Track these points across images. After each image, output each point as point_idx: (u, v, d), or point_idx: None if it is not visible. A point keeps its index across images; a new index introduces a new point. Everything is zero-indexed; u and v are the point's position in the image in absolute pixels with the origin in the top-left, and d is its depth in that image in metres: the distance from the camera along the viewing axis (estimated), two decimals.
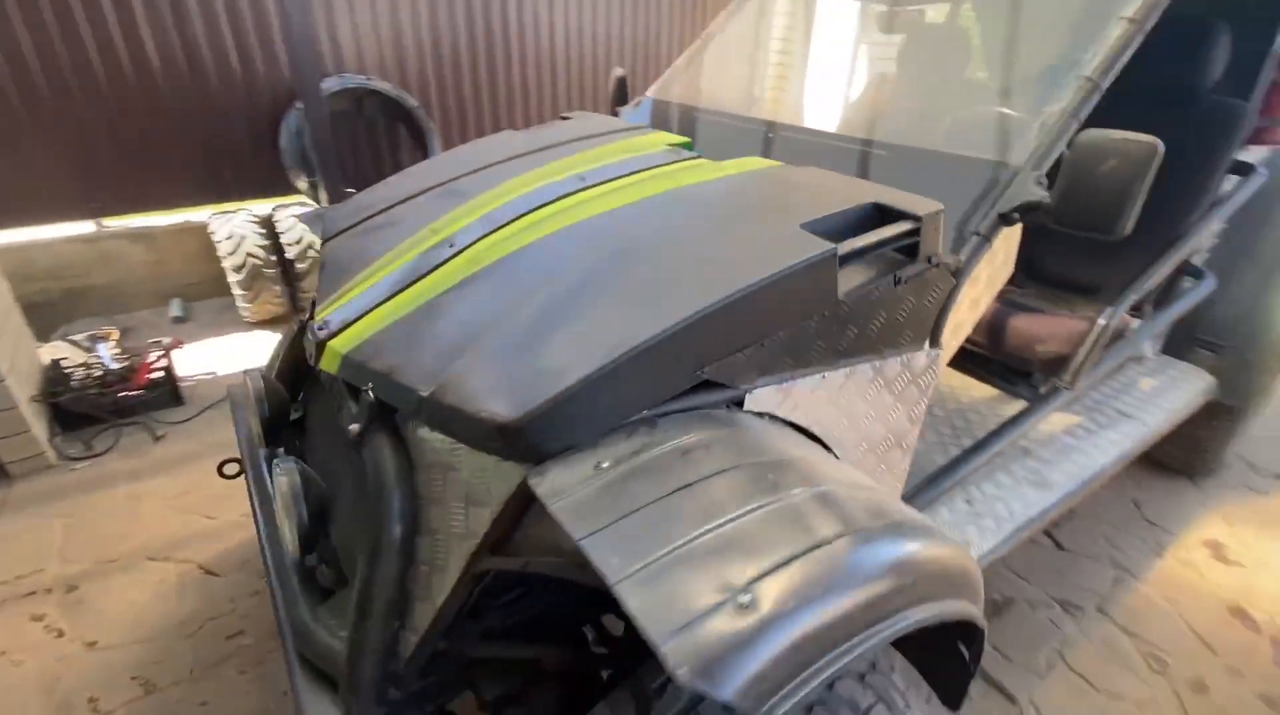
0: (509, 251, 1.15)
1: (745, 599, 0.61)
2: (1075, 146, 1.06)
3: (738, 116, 1.73)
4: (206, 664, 1.75)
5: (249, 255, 3.24)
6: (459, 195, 1.42)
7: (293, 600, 1.04)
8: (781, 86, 1.82)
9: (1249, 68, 1.99)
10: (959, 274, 1.15)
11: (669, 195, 1.22)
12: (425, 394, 0.90)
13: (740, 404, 0.97)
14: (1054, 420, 1.96)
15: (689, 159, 1.42)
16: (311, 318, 1.31)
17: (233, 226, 3.26)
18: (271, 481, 1.30)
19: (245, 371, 1.35)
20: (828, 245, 0.96)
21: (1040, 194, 1.14)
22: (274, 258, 3.35)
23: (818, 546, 0.67)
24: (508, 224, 1.24)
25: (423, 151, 4.13)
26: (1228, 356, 2.27)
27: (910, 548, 0.74)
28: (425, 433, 0.96)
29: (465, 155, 1.67)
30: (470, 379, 0.88)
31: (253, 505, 1.32)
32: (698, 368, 0.91)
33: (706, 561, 0.65)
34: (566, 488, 0.77)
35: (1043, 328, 1.76)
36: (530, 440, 0.80)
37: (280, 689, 1.69)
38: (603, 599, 1.17)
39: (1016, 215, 1.15)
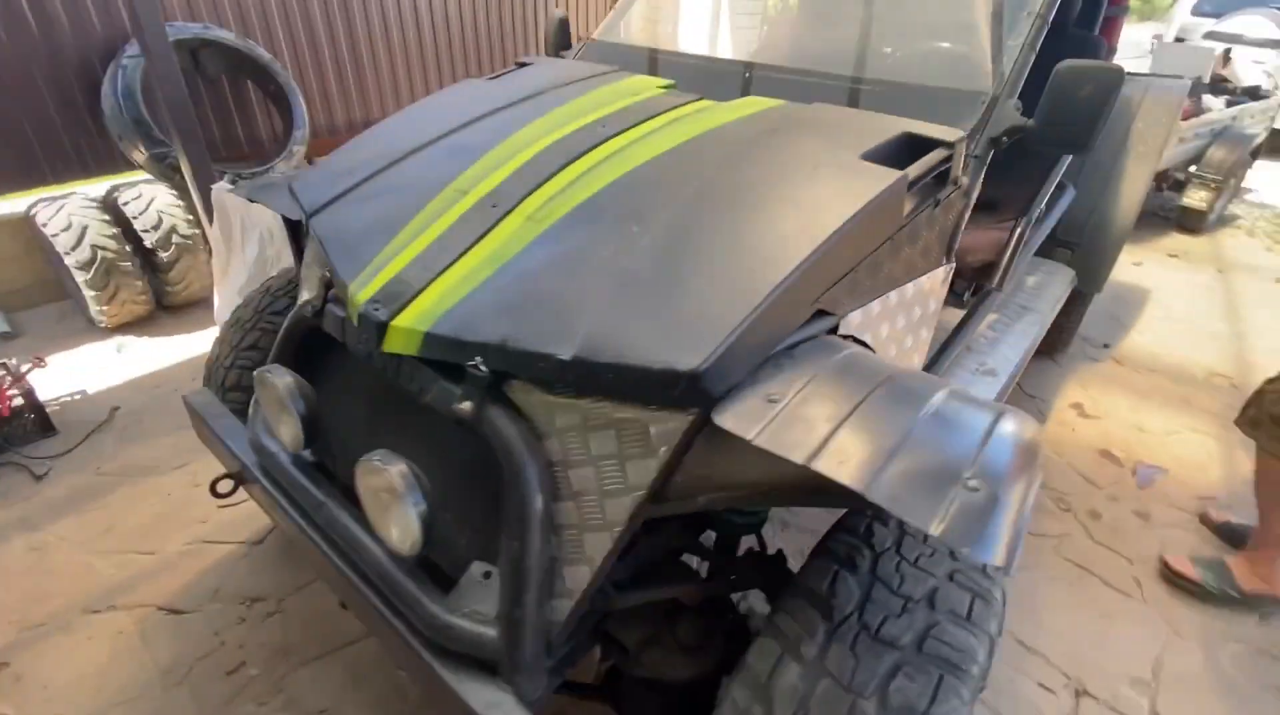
0: (575, 204, 1.11)
1: (972, 484, 0.71)
2: (1057, 74, 1.24)
3: (705, 58, 1.75)
4: (214, 707, 1.57)
5: (97, 248, 2.71)
6: (465, 151, 1.32)
7: (414, 599, 0.98)
8: (739, 26, 1.85)
9: (1093, 3, 2.36)
10: (967, 194, 1.30)
11: (706, 138, 1.24)
12: (569, 356, 0.87)
13: (835, 330, 1.05)
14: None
15: (694, 101, 1.43)
16: (329, 301, 1.18)
17: (69, 215, 2.69)
18: (318, 486, 1.17)
19: (262, 370, 1.18)
20: (898, 173, 1.05)
21: (1021, 118, 1.32)
22: (129, 248, 2.82)
23: (989, 435, 0.78)
24: (552, 177, 1.18)
25: (285, 112, 3.63)
26: (1080, 251, 2.75)
27: (1029, 428, 0.88)
28: (550, 397, 0.93)
29: (437, 109, 1.53)
30: (619, 335, 0.87)
31: (292, 518, 1.19)
32: (815, 300, 0.97)
33: (922, 460, 0.74)
34: (753, 422, 0.81)
35: (970, 241, 2.02)
36: (708, 385, 0.83)
37: (315, 708, 1.57)
38: (696, 528, 1.24)
39: (1005, 139, 1.32)
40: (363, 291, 1.07)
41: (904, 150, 1.20)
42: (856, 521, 1.04)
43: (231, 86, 3.51)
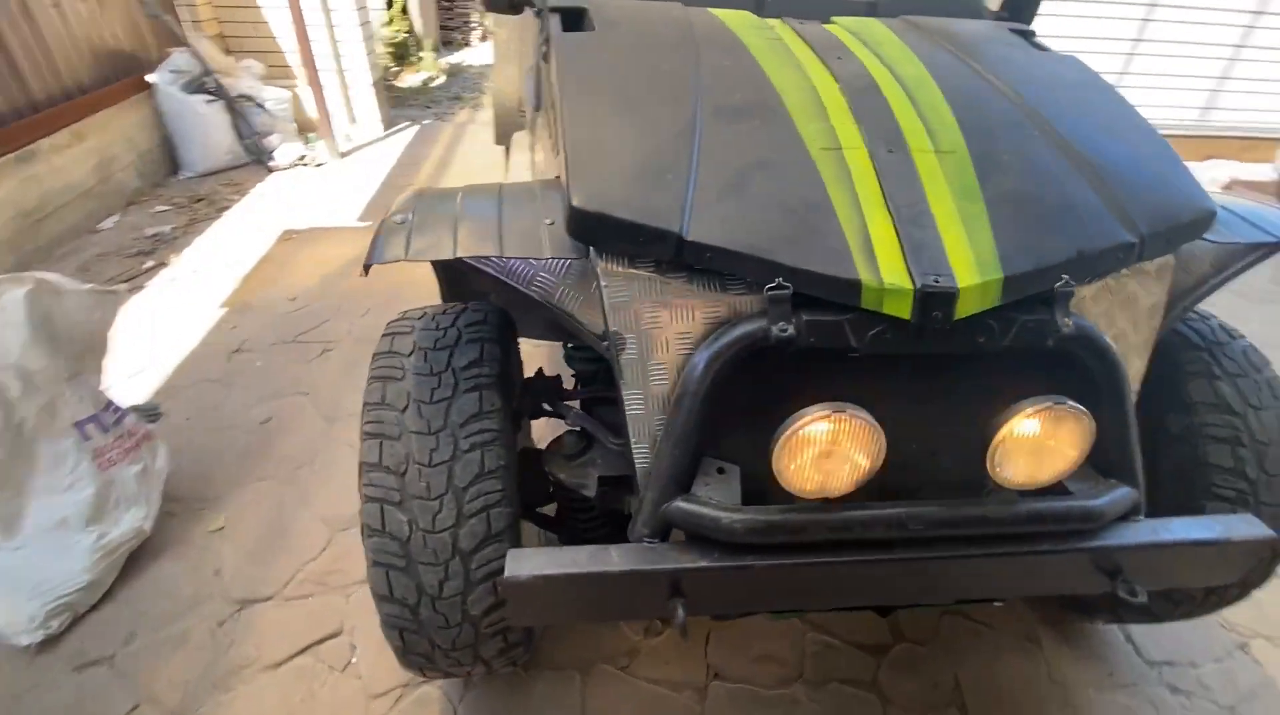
0: (956, 130, 1.13)
1: None
2: None
3: None
4: None
5: None
6: (756, 112, 1.15)
7: (1068, 509, 1.03)
8: None
9: None
10: None
11: (931, 57, 1.34)
12: (1137, 237, 1.02)
13: None
14: None
15: (829, 24, 1.47)
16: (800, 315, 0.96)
17: None
18: (876, 508, 1.01)
19: (820, 411, 0.89)
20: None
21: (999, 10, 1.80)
22: None
23: None
24: (892, 114, 1.16)
25: None
26: None
27: None
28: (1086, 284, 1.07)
29: (618, 77, 1.21)
30: (1147, 206, 1.06)
31: (848, 565, 1.02)
32: None
33: None
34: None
35: None
36: None
37: None
38: None
39: None
40: (893, 276, 0.94)
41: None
42: None
43: None
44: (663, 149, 1.06)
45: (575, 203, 0.98)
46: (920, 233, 0.99)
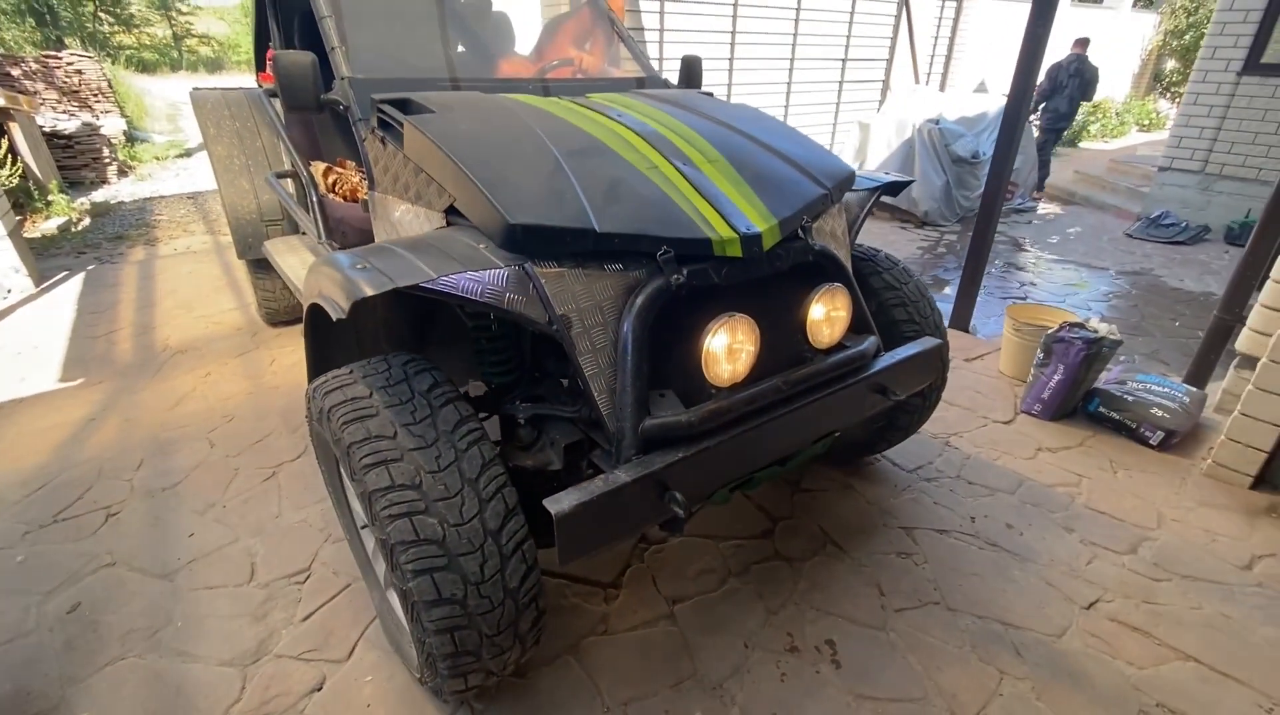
0: (710, 148, 1.72)
1: None
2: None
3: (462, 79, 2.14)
4: None
5: None
6: (595, 152, 1.58)
7: (853, 356, 1.66)
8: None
9: None
10: None
11: (676, 110, 1.96)
12: (826, 191, 1.73)
13: None
14: None
15: (597, 97, 2.02)
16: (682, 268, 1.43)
17: None
18: (760, 382, 1.50)
19: (718, 326, 1.30)
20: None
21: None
22: None
23: None
24: (673, 143, 1.71)
25: None
26: None
27: None
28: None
29: (497, 138, 1.55)
30: (824, 171, 1.78)
31: (758, 425, 1.49)
32: None
33: None
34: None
35: None
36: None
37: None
38: None
39: None
40: (725, 232, 1.48)
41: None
42: None
43: None
44: (550, 179, 1.44)
45: (513, 221, 1.30)
46: (727, 207, 1.54)
